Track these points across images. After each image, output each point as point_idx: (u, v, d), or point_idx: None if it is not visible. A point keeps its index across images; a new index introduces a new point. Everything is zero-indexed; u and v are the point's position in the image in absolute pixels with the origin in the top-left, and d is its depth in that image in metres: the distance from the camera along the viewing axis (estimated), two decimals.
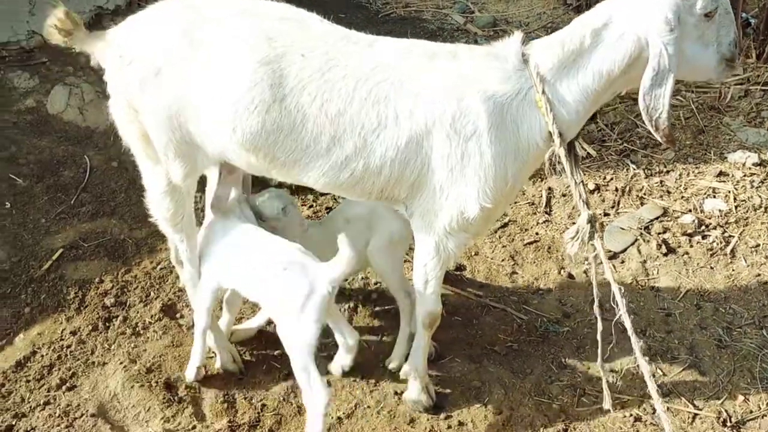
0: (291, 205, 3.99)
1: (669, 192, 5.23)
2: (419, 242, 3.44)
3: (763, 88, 6.08)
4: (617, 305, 3.08)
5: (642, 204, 5.14)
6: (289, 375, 4.01)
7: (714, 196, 5.13)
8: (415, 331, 3.84)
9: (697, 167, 5.42)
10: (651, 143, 5.71)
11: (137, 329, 4.29)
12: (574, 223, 3.18)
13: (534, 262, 4.80)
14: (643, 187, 5.29)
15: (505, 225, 5.07)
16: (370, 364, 4.10)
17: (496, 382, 4.01)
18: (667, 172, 5.41)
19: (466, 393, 3.97)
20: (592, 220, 3.15)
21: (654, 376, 4.05)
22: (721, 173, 5.33)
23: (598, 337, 3.41)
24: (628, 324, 3.05)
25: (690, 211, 5.04)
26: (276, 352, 4.17)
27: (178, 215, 3.60)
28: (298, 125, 3.09)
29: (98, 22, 6.25)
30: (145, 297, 4.49)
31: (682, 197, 5.17)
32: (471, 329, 4.35)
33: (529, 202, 5.25)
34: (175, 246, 3.81)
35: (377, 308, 4.46)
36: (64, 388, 3.92)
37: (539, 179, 5.42)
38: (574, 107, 3.06)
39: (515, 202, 5.22)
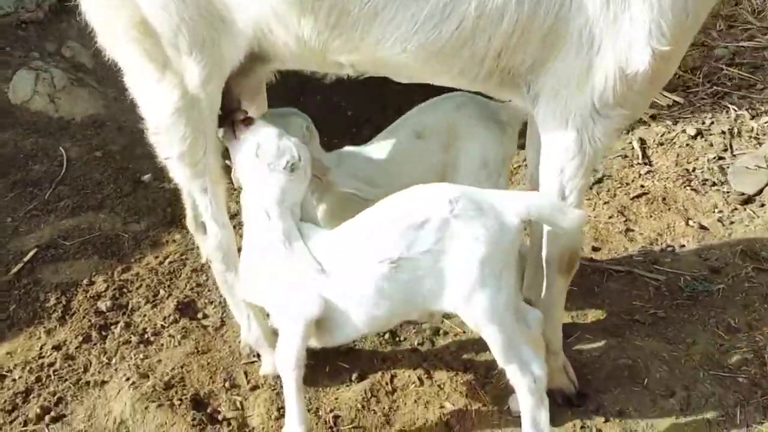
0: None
1: None
2: (549, 140, 2.39)
3: None
4: None
5: (759, 144, 4.16)
6: (365, 376, 2.90)
7: None
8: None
9: None
10: (745, 84, 4.77)
11: (146, 336, 3.12)
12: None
13: (650, 216, 3.74)
14: (753, 128, 4.32)
15: (600, 181, 4.03)
16: (473, 360, 2.98)
17: (652, 357, 2.91)
18: None
19: (615, 374, 2.86)
20: None
21: None
22: None
23: None
24: None
25: None
26: (341, 347, 3.02)
27: (199, 146, 2.49)
28: None
29: (68, 6, 5.24)
30: (152, 297, 3.33)
31: None
32: (593, 299, 3.26)
33: (620, 156, 4.24)
34: (193, 201, 2.67)
35: None
36: (47, 419, 2.74)
37: (625, 131, 4.43)
38: None
39: (603, 156, 4.20)
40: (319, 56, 2.32)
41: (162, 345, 3.07)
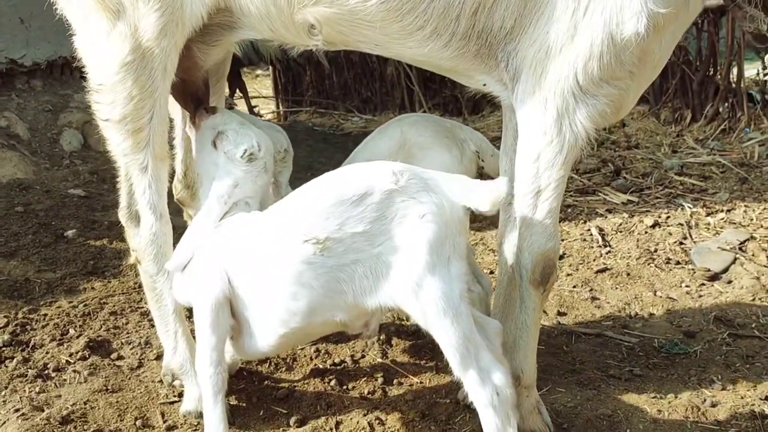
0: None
1: (743, 225, 4.20)
2: (526, 123, 2.19)
3: None
4: None
5: (718, 234, 4.07)
6: (305, 421, 2.47)
7: None
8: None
9: (760, 204, 4.47)
10: (697, 189, 4.78)
11: (46, 371, 2.65)
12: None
13: (616, 288, 3.51)
14: (710, 222, 4.25)
15: (561, 257, 3.83)
16: (432, 407, 2.57)
17: (632, 409, 2.56)
18: (729, 210, 4.42)
19: (594, 424, 2.48)
20: None
21: None
22: None
23: None
24: None
25: None
26: (279, 391, 2.60)
27: (145, 109, 2.23)
28: None
29: (10, 81, 5.04)
30: (60, 335, 2.87)
31: (762, 227, 4.14)
32: (563, 357, 2.94)
33: (580, 239, 4.07)
34: (129, 185, 2.35)
35: (418, 340, 3.00)
36: None
37: (582, 221, 4.30)
38: None
39: (562, 239, 4.03)
40: (287, 14, 2.14)
41: (64, 380, 2.59)
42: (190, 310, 2.70)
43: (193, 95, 2.37)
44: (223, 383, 2.16)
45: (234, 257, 2.12)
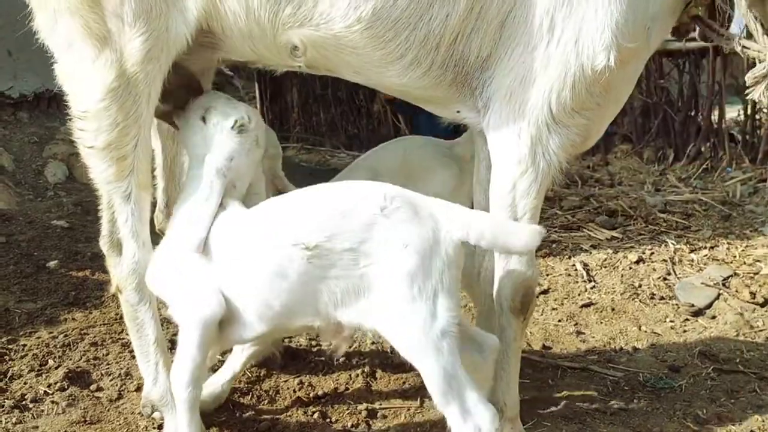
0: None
1: (726, 262, 4.23)
2: (501, 153, 2.22)
3: None
4: None
5: (701, 270, 4.09)
6: None
7: None
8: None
9: (742, 241, 4.51)
10: (680, 226, 4.81)
11: (23, 402, 2.59)
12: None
13: (601, 322, 3.51)
14: (693, 259, 4.27)
15: (546, 292, 3.83)
16: None
17: None
18: (712, 247, 4.45)
19: None
20: None
21: None
22: None
23: None
24: None
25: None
26: (261, 424, 2.56)
27: (130, 136, 2.22)
28: None
29: None
30: (39, 366, 2.83)
31: (745, 263, 4.17)
32: (548, 391, 2.92)
33: (565, 274, 4.08)
34: (111, 214, 2.31)
35: (403, 374, 2.97)
36: None
37: (567, 257, 4.32)
38: None
39: (547, 274, 4.04)
40: (270, 35, 2.15)
41: (42, 411, 2.54)
42: (172, 342, 2.68)
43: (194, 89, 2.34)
44: (197, 401, 2.11)
45: (225, 262, 2.10)
